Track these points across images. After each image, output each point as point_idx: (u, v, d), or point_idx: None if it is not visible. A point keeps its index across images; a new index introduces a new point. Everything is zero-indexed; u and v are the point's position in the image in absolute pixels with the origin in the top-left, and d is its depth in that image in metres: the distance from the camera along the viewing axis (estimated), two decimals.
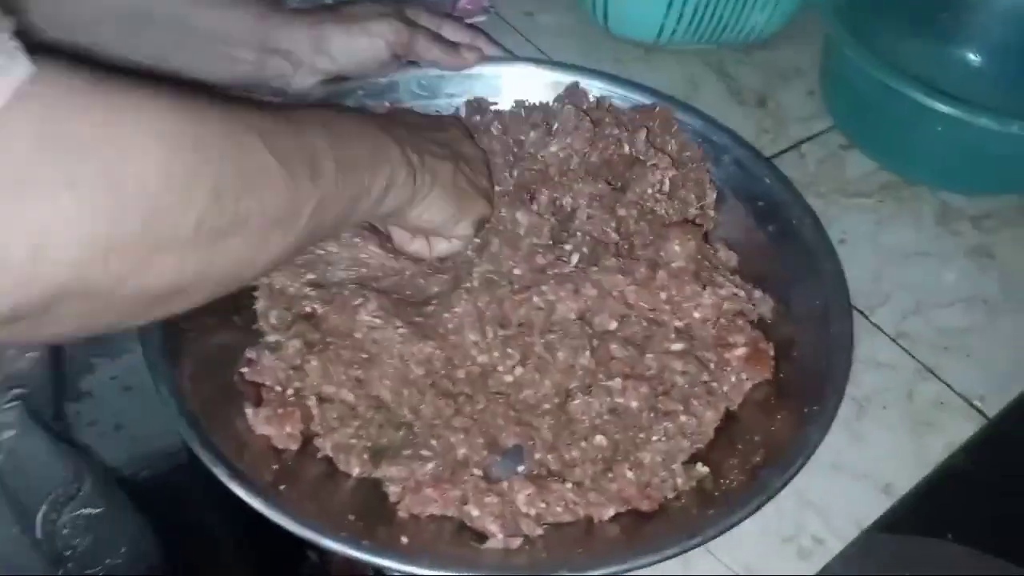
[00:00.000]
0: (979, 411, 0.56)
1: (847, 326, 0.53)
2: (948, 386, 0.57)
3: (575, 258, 0.55)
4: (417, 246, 0.54)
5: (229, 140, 0.34)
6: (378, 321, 0.50)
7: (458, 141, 0.55)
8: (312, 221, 0.39)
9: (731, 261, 0.59)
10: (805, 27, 0.77)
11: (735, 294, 0.54)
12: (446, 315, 0.51)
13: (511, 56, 0.70)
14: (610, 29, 0.75)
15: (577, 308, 0.52)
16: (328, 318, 0.51)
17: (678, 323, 0.54)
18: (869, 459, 0.52)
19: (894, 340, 0.59)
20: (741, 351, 0.52)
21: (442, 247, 0.53)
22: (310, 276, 0.53)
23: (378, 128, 0.46)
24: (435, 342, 0.50)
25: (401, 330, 0.50)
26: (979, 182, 0.67)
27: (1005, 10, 0.74)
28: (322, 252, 0.53)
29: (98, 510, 0.69)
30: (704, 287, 0.54)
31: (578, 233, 0.56)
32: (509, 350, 0.51)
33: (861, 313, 0.59)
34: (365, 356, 0.49)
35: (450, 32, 0.64)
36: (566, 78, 0.65)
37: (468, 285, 0.52)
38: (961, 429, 0.55)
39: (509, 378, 0.50)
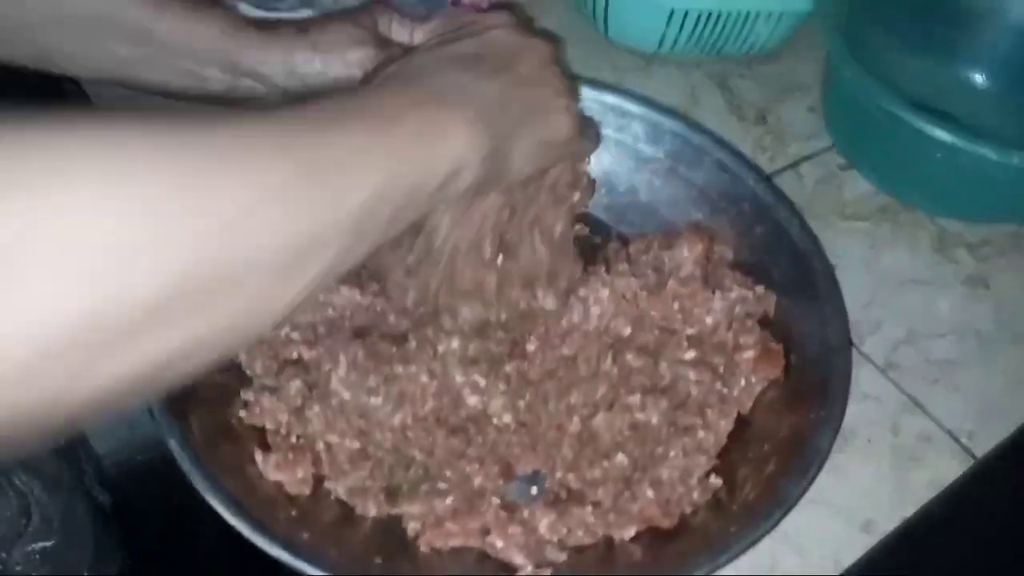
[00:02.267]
0: (965, 448, 0.55)
1: (843, 325, 0.53)
2: (935, 421, 0.56)
3: None
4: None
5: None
6: (347, 396, 0.48)
7: (537, 75, 0.46)
8: (336, 256, 0.32)
9: (727, 254, 0.58)
10: (809, 40, 0.76)
11: (744, 295, 0.54)
12: (428, 356, 0.50)
13: None
14: (610, 38, 0.74)
15: (598, 312, 0.52)
16: (315, 366, 0.49)
17: (690, 331, 0.53)
18: (849, 494, 0.52)
19: (883, 372, 0.58)
20: (751, 353, 0.52)
21: None
22: None
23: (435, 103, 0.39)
24: (422, 375, 0.49)
25: (376, 400, 0.48)
26: (978, 210, 0.66)
27: (1011, 29, 0.72)
28: None
29: (51, 542, 0.66)
30: (714, 291, 0.53)
31: None
32: (501, 386, 0.50)
33: (850, 343, 0.59)
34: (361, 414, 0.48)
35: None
36: None
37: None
38: (946, 466, 0.54)
39: (507, 418, 0.49)
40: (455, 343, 0.50)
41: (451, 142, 0.38)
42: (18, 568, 0.62)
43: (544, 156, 0.46)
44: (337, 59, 0.52)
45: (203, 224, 0.26)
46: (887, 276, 0.64)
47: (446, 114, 0.38)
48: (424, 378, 0.49)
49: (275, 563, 0.75)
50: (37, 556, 0.62)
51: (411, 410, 0.48)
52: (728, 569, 0.46)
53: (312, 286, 0.31)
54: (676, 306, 0.53)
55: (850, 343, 0.53)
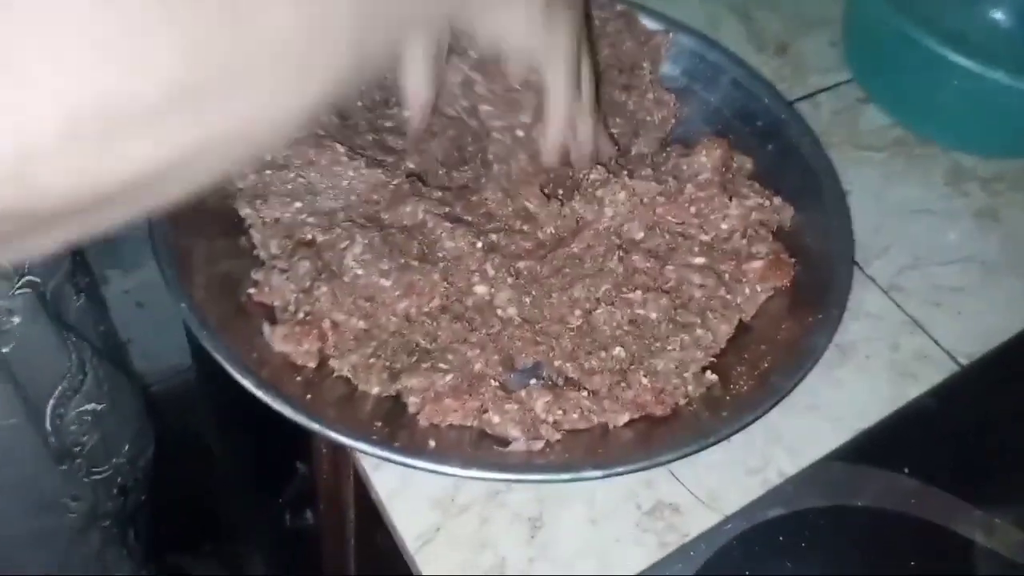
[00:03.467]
0: (962, 367, 0.56)
1: (848, 241, 0.54)
2: (935, 341, 0.57)
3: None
4: None
5: None
6: (360, 271, 0.49)
7: None
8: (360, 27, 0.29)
9: (747, 164, 0.59)
10: None
11: (760, 204, 0.55)
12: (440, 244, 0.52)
13: None
14: None
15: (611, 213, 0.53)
16: (329, 247, 0.51)
17: (704, 236, 0.55)
18: (845, 403, 0.53)
19: (886, 292, 0.59)
20: (760, 263, 0.53)
21: None
22: (298, 204, 0.52)
23: None
24: (435, 273, 0.50)
25: (386, 281, 0.49)
26: (992, 142, 0.66)
27: None
28: (303, 180, 0.53)
29: (101, 406, 0.70)
30: (731, 198, 0.54)
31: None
32: (510, 280, 0.51)
33: (857, 264, 0.59)
34: (368, 296, 0.50)
35: None
36: None
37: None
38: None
39: (512, 311, 0.51)
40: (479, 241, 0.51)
41: None
42: (73, 427, 0.66)
43: None
44: None
45: (211, 7, 0.24)
46: (898, 205, 0.64)
47: None
48: (436, 276, 0.50)
49: (290, 458, 0.78)
50: (88, 418, 0.66)
51: (417, 301, 0.50)
52: (718, 460, 0.48)
53: (327, 85, 0.28)
54: (692, 210, 0.54)
55: (852, 257, 0.54)
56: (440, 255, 0.51)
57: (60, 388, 0.66)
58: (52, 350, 0.64)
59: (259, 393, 0.43)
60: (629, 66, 0.63)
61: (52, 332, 0.63)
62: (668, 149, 0.59)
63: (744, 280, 0.53)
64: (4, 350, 0.59)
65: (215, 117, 0.25)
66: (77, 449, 0.70)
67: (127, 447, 0.79)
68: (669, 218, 0.54)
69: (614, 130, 0.60)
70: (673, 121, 0.62)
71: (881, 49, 0.66)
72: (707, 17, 0.75)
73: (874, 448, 0.49)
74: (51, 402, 0.66)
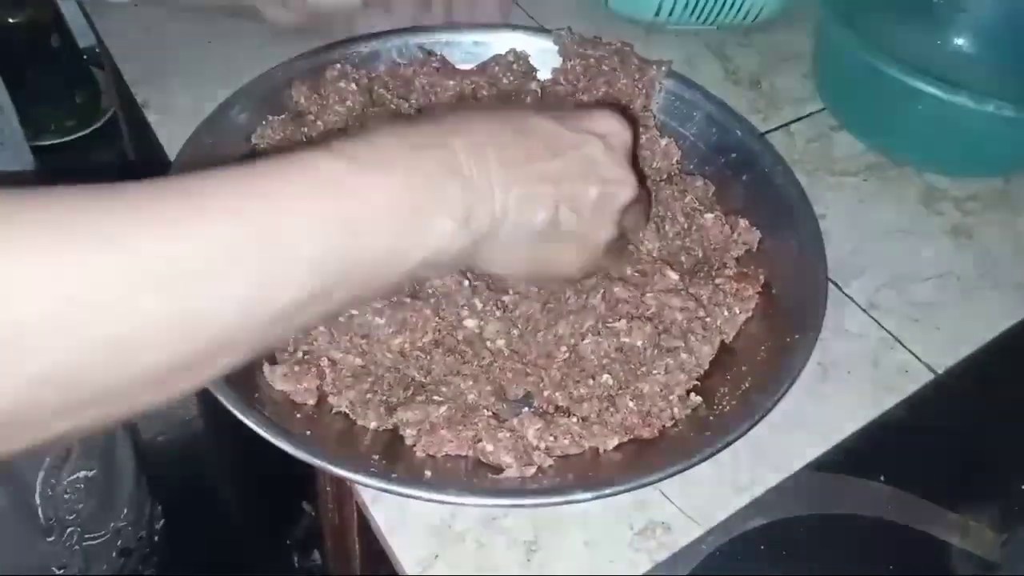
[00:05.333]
0: (935, 377, 0.57)
1: (822, 263, 0.56)
2: (915, 355, 0.58)
3: None
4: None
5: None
6: (355, 311, 0.51)
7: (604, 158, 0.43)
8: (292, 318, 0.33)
9: (709, 192, 0.62)
10: (806, 12, 0.79)
11: (717, 217, 0.59)
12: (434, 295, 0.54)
13: (502, 25, 0.72)
14: (609, 6, 0.77)
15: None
16: None
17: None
18: (829, 419, 0.54)
19: (865, 311, 0.61)
20: (731, 272, 0.56)
21: None
22: None
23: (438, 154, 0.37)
24: (427, 309, 0.52)
25: (379, 319, 0.51)
26: (961, 163, 0.68)
27: None
28: None
29: (92, 472, 0.70)
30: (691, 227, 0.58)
31: None
32: (498, 312, 0.53)
33: (835, 284, 0.61)
34: (363, 334, 0.52)
35: None
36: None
37: None
38: None
39: (501, 343, 0.53)
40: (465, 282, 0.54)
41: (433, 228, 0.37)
42: (67, 496, 0.66)
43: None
44: None
45: (159, 280, 0.29)
46: (874, 227, 0.66)
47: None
48: (427, 311, 0.52)
49: (296, 500, 0.78)
50: (81, 485, 0.66)
51: (410, 337, 0.52)
52: (707, 479, 0.49)
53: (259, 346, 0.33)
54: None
55: (827, 278, 0.56)
56: (430, 291, 0.53)
57: (48, 459, 0.65)
58: None
59: (261, 431, 0.44)
60: (625, 104, 0.65)
61: None
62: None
63: (721, 301, 0.55)
64: None
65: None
66: (71, 517, 0.70)
67: (126, 510, 0.78)
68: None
69: None
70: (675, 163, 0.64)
71: (850, 79, 0.69)
72: (685, 55, 0.78)
73: (851, 458, 0.50)
74: (40, 474, 0.65)
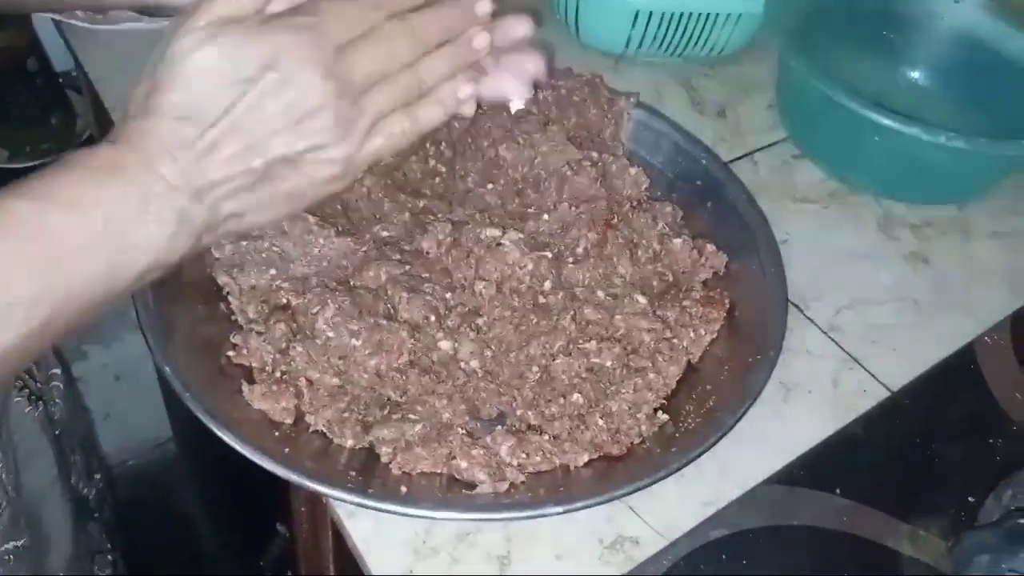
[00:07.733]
0: (891, 394, 0.60)
1: (782, 287, 0.59)
2: (872, 375, 0.61)
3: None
4: None
5: None
6: (331, 334, 0.52)
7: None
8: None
9: (678, 216, 0.64)
10: (769, 45, 0.82)
11: (685, 242, 0.61)
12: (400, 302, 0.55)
13: None
14: (580, 39, 0.80)
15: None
16: (303, 311, 0.54)
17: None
18: (791, 436, 0.56)
19: (825, 332, 0.63)
20: (698, 295, 0.59)
21: None
22: (272, 271, 0.56)
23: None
24: (402, 331, 0.53)
25: (356, 341, 0.52)
26: (917, 191, 0.71)
27: (949, 31, 0.79)
28: (277, 249, 0.57)
29: (21, 541, 0.65)
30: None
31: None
32: (471, 334, 0.55)
33: (796, 307, 0.64)
34: (340, 355, 0.53)
35: None
36: None
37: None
38: None
39: (475, 364, 0.54)
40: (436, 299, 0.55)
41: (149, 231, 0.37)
42: None
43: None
44: None
45: None
46: (833, 252, 0.69)
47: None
48: (403, 333, 0.54)
49: (270, 520, 0.78)
50: (10, 556, 0.62)
51: (387, 358, 0.53)
52: (673, 494, 0.51)
53: None
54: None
55: (787, 301, 0.58)
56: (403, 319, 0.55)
57: None
58: None
59: (240, 447, 0.46)
60: (595, 133, 0.68)
61: None
62: None
63: (688, 323, 0.57)
64: None
65: None
66: None
67: (63, 571, 0.71)
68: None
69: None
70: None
71: (810, 111, 0.72)
72: (653, 86, 0.80)
73: (809, 472, 0.52)
74: None
